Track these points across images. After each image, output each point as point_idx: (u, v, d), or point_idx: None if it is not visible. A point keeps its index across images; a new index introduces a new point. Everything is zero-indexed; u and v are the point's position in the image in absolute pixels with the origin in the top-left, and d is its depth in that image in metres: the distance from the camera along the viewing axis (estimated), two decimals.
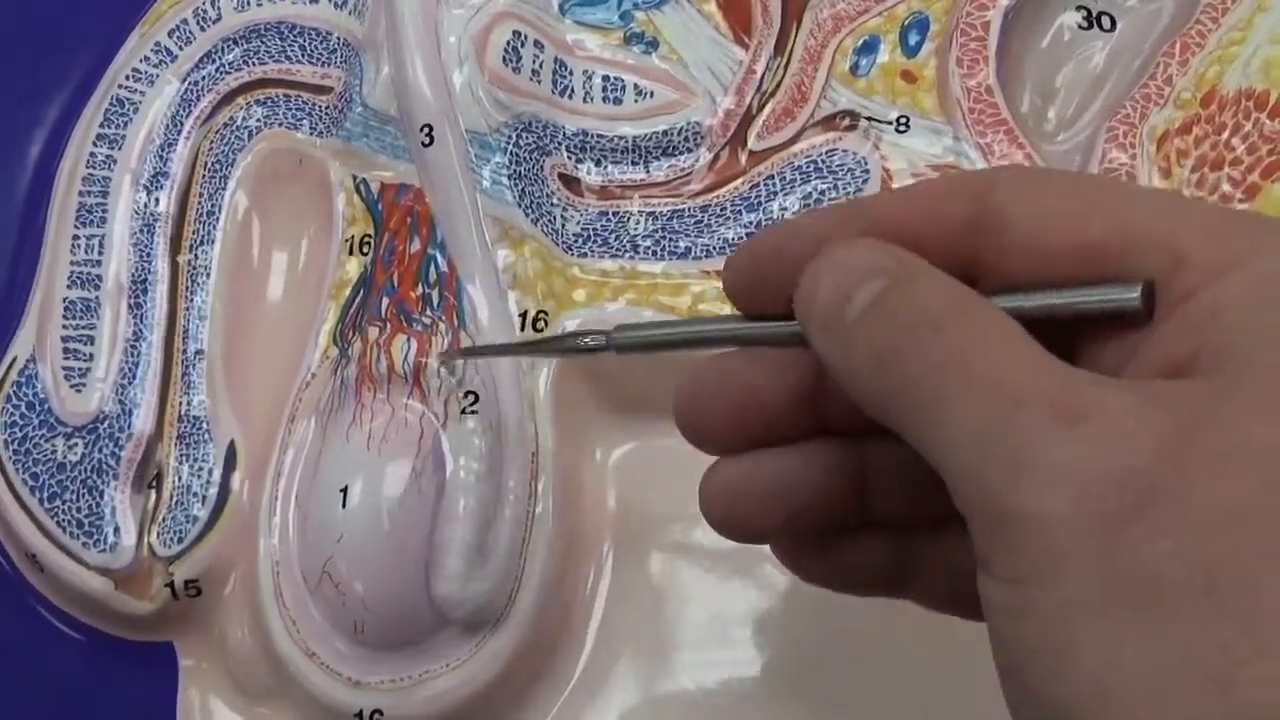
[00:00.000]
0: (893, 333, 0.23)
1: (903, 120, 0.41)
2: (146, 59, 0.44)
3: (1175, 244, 0.23)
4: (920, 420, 0.22)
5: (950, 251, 0.25)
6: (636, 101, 0.42)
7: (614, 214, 0.41)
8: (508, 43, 0.42)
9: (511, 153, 0.41)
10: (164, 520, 0.39)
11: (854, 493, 0.28)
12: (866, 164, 0.40)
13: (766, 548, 0.30)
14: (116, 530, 0.39)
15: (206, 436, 0.40)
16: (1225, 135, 0.39)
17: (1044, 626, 0.20)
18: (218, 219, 0.43)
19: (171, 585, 0.39)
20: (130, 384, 0.41)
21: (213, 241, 0.43)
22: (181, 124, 0.44)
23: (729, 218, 0.41)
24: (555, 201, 0.41)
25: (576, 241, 0.41)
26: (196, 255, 0.43)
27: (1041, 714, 0.20)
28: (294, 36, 0.45)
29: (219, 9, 0.45)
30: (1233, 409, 0.20)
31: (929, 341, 0.22)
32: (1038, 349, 0.22)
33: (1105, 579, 0.19)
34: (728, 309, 0.39)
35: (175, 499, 0.40)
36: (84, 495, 0.40)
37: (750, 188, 0.41)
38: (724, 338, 0.29)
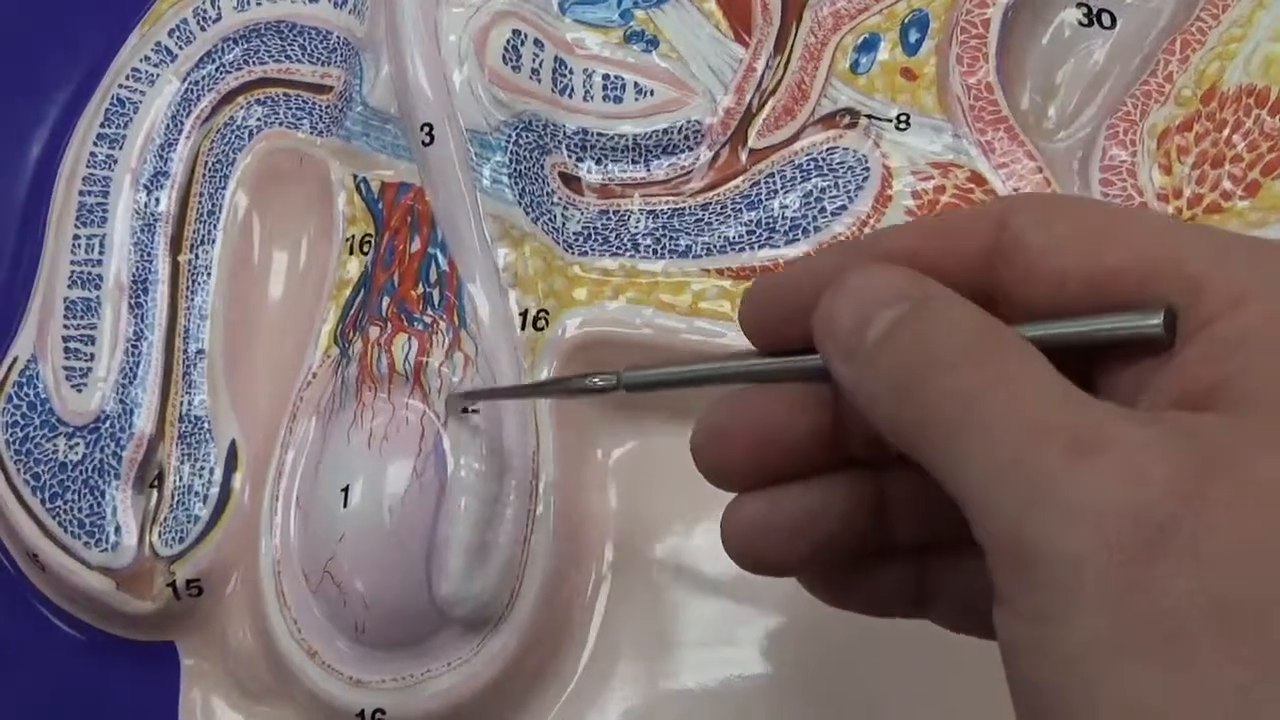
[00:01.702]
0: (914, 360, 0.23)
1: (903, 118, 0.41)
2: (147, 58, 0.44)
3: (1191, 271, 0.22)
4: (940, 451, 0.22)
5: (969, 279, 0.24)
6: (637, 100, 0.42)
7: (614, 212, 0.41)
8: (507, 41, 0.42)
9: (512, 151, 0.41)
10: (165, 520, 0.39)
11: (874, 522, 0.27)
12: (867, 161, 0.40)
13: None
14: (118, 530, 0.39)
15: (208, 436, 0.40)
16: (1226, 132, 0.39)
17: (1063, 665, 0.20)
18: (218, 218, 0.43)
19: (173, 585, 0.39)
20: (131, 384, 0.41)
21: (213, 241, 0.43)
22: (182, 123, 0.44)
23: (729, 216, 0.41)
24: (556, 200, 0.41)
25: (577, 240, 0.41)
26: (197, 255, 0.43)
27: None
28: (294, 36, 0.45)
29: (219, 8, 0.45)
30: (1252, 447, 0.20)
31: (951, 372, 0.22)
32: (1059, 379, 0.22)
33: (1124, 618, 0.19)
34: (727, 306, 0.39)
35: (176, 498, 0.40)
36: (85, 495, 0.40)
37: (751, 186, 0.41)
38: (739, 375, 0.28)
